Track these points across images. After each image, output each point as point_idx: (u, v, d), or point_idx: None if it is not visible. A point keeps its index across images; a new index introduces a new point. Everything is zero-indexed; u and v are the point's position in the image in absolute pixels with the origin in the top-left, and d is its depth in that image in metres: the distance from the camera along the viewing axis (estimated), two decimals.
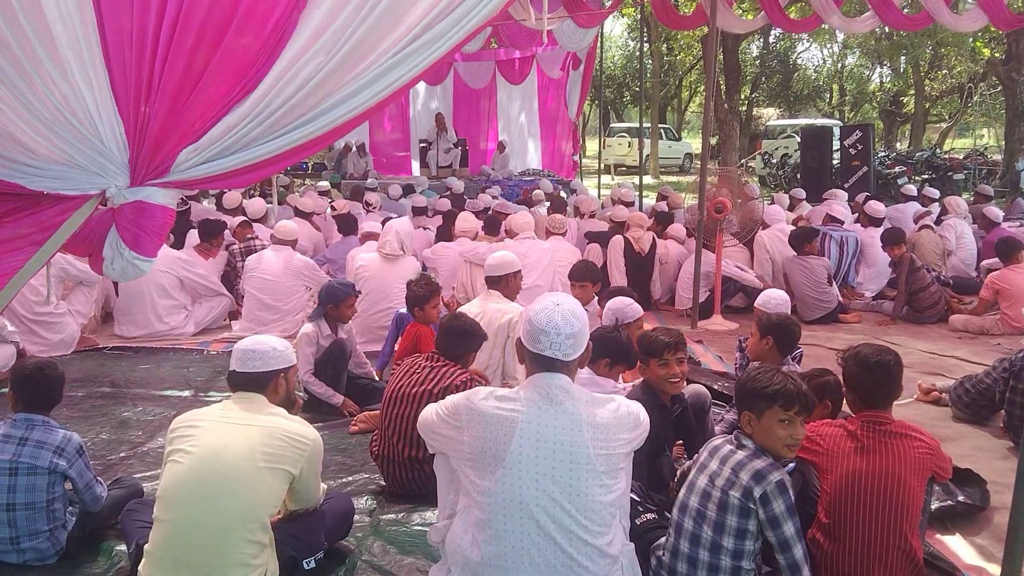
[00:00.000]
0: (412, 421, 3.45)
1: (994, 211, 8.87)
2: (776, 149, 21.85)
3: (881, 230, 7.99)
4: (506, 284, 4.89)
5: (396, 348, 5.09)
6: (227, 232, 7.83)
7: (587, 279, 5.42)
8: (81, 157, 2.30)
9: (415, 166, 17.85)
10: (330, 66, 2.38)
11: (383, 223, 7.10)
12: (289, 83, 2.37)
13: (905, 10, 11.68)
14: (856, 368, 2.90)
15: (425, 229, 8.56)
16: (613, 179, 23.02)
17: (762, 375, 2.62)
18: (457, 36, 2.54)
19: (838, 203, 9.38)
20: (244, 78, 2.34)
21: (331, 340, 4.85)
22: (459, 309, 4.78)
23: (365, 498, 3.70)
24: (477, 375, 3.91)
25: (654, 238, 7.70)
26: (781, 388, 2.56)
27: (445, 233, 7.83)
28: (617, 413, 2.38)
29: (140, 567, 2.66)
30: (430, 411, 2.55)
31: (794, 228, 7.86)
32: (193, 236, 7.64)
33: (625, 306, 4.22)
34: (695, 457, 2.78)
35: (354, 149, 16.28)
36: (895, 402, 2.93)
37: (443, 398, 2.53)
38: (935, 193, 10.29)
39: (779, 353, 3.86)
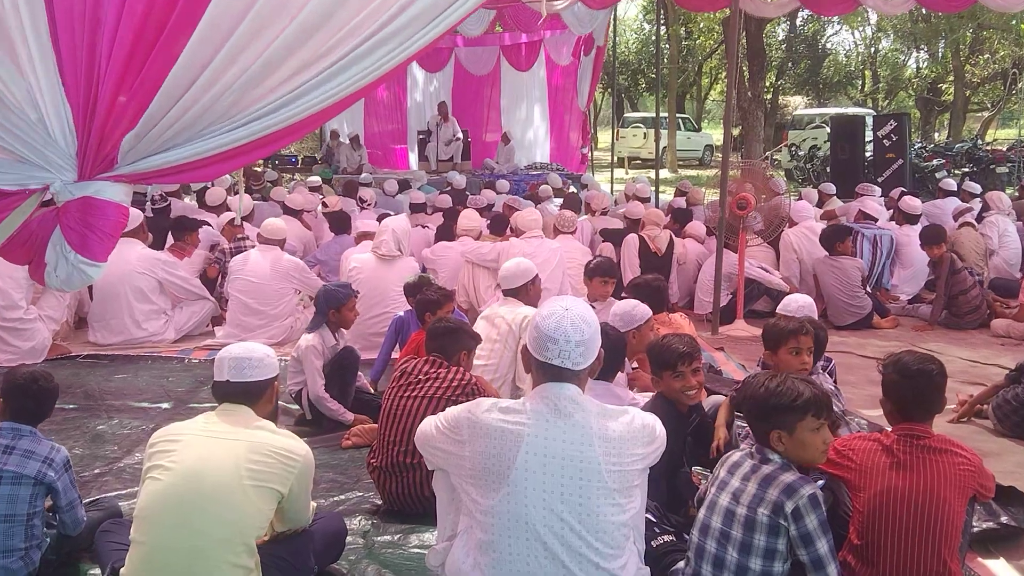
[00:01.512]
0: (415, 428, 3.46)
1: None
2: (804, 140, 21.79)
3: (918, 228, 7.97)
4: (525, 293, 4.87)
5: (395, 357, 5.10)
6: (213, 231, 7.86)
7: (610, 275, 5.46)
8: (22, 147, 2.22)
9: (413, 159, 17.89)
10: (290, 49, 2.32)
11: (378, 221, 7.11)
12: (240, 66, 2.30)
13: None
14: (895, 376, 2.89)
15: (424, 227, 8.57)
16: (627, 173, 23.00)
17: (783, 387, 2.61)
18: (446, 22, 2.51)
19: (871, 199, 9.37)
20: (189, 62, 2.27)
21: (335, 350, 4.85)
22: (484, 313, 4.83)
23: (359, 518, 3.70)
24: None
25: (671, 237, 7.70)
26: (811, 397, 2.57)
27: (446, 232, 7.83)
28: (631, 426, 2.38)
29: None
30: (429, 424, 2.55)
31: (825, 226, 7.84)
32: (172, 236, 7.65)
33: (631, 308, 4.23)
34: (712, 475, 2.78)
35: (347, 141, 16.31)
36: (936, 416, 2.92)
37: (451, 400, 2.53)
38: (976, 188, 10.25)
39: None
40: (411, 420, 3.57)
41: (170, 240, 7.55)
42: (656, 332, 4.33)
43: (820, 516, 2.47)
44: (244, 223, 8.15)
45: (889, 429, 2.92)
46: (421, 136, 16.58)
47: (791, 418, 2.57)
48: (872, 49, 35.42)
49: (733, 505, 2.58)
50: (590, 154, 18.38)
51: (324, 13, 2.33)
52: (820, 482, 2.83)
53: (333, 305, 4.81)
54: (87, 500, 3.49)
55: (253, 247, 7.03)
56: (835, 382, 4.16)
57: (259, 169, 13.45)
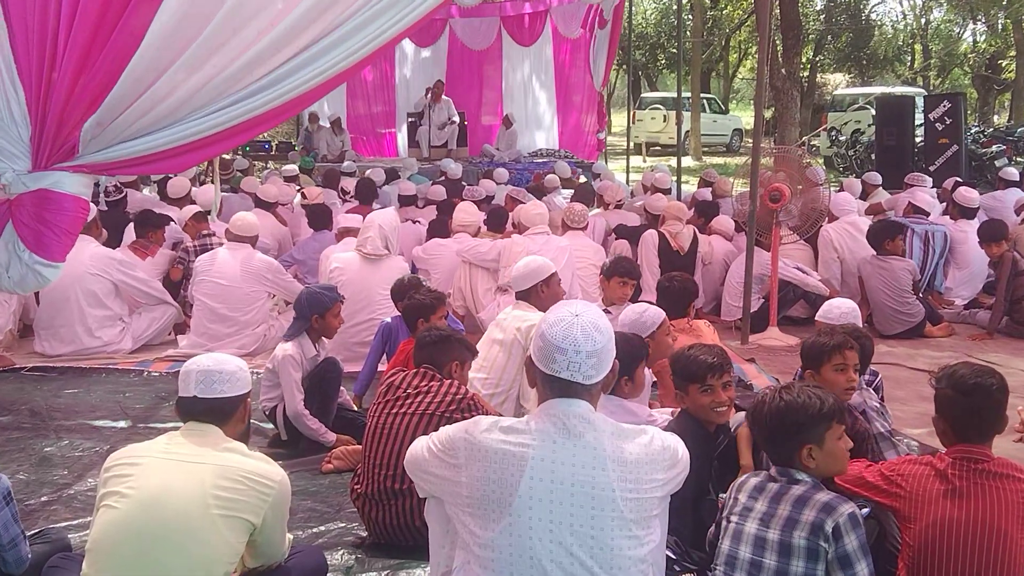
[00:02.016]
0: (404, 450, 3.45)
1: None
2: (845, 124, 21.81)
3: (975, 223, 7.97)
4: (537, 296, 4.82)
5: (383, 369, 5.11)
6: (176, 227, 7.87)
7: (631, 275, 5.46)
8: None
9: (402, 145, 17.91)
10: (269, 36, 2.34)
11: (363, 215, 7.12)
12: (228, 52, 2.33)
13: None
14: (950, 391, 2.90)
15: (415, 222, 8.58)
16: (645, 161, 23.05)
17: (803, 398, 2.72)
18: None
19: (922, 190, 9.36)
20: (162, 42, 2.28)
21: (315, 361, 4.86)
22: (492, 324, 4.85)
23: (341, 552, 3.70)
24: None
25: (695, 233, 7.70)
26: (834, 403, 2.73)
27: (440, 227, 7.85)
28: (650, 448, 2.37)
29: None
30: (420, 445, 2.55)
31: (869, 221, 7.83)
32: (131, 232, 7.66)
33: (640, 315, 4.26)
34: (727, 503, 2.82)
35: (327, 125, 16.33)
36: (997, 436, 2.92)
37: (445, 417, 2.52)
38: None
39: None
40: (399, 440, 3.57)
41: (128, 236, 7.56)
42: (675, 340, 4.33)
43: (860, 536, 2.54)
44: (210, 217, 8.17)
45: (943, 451, 2.92)
46: (411, 119, 16.58)
47: (820, 429, 2.67)
48: (923, 20, 35.48)
49: (763, 531, 2.62)
50: (605, 140, 18.41)
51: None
52: (865, 510, 2.84)
53: (316, 310, 4.80)
54: (32, 532, 3.48)
55: (221, 244, 7.05)
56: (881, 399, 4.16)
57: (228, 157, 13.46)
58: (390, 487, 3.62)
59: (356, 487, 3.82)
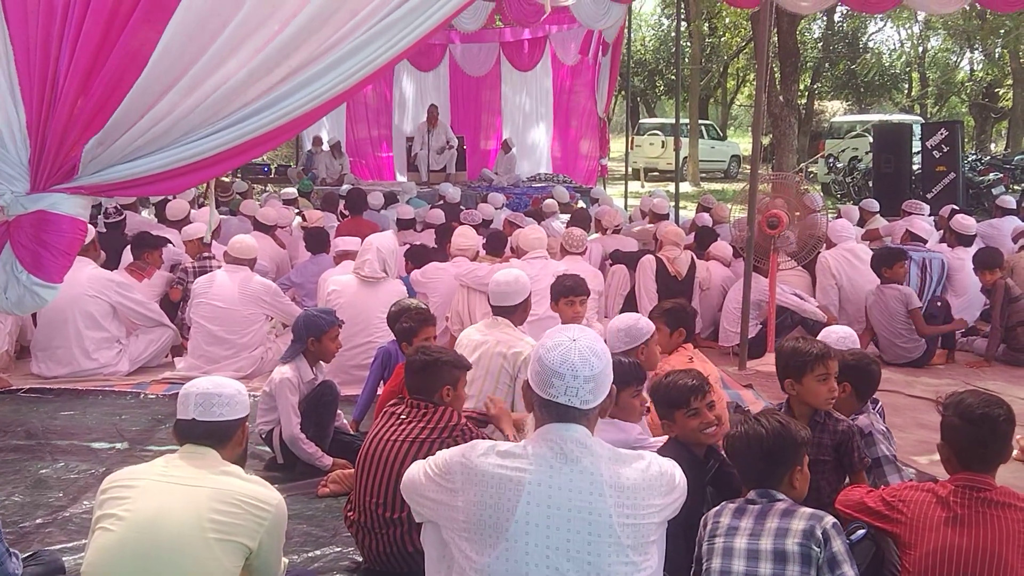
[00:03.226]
0: (395, 478, 3.44)
1: None
2: (843, 151, 21.90)
3: (972, 250, 7.99)
4: (522, 313, 4.91)
5: (381, 392, 5.09)
6: (176, 249, 7.87)
7: (575, 292, 5.35)
8: None
9: (401, 169, 17.97)
10: (283, 52, 2.36)
11: (362, 239, 7.13)
12: (227, 70, 2.34)
13: None
14: (957, 420, 2.90)
15: (413, 246, 8.59)
16: (643, 187, 23.12)
17: (789, 423, 2.92)
18: (437, 15, 2.53)
19: (919, 217, 9.39)
20: (168, 62, 2.29)
21: (312, 385, 4.85)
22: (459, 336, 4.81)
23: None
24: (478, 415, 3.92)
25: (693, 258, 7.71)
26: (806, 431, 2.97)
27: (438, 251, 7.86)
28: (647, 473, 2.37)
29: None
30: (417, 470, 2.55)
31: (866, 247, 7.84)
32: (129, 254, 7.66)
33: (635, 321, 4.27)
34: (707, 528, 2.86)
35: (327, 148, 16.39)
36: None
37: (438, 443, 2.52)
38: None
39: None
40: (391, 469, 3.54)
41: (127, 258, 7.56)
42: (663, 368, 4.33)
43: (845, 542, 2.68)
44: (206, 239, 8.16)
45: (944, 479, 2.92)
46: (409, 143, 16.64)
47: (802, 451, 2.90)
48: (920, 49, 35.66)
49: (754, 543, 2.68)
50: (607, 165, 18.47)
51: (319, 15, 2.37)
52: (862, 531, 2.87)
53: (313, 333, 4.80)
54: (26, 554, 3.47)
55: (219, 267, 7.05)
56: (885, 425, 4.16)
57: (227, 179, 13.50)
58: (382, 515, 3.59)
59: (349, 514, 3.80)
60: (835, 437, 3.58)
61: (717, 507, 2.91)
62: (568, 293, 5.36)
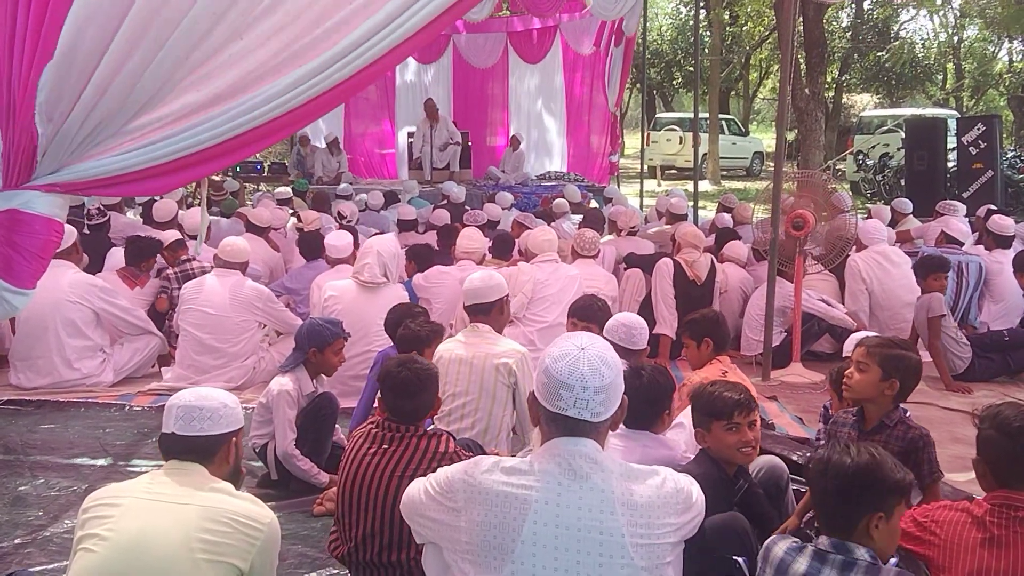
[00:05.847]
0: (390, 517, 3.32)
1: None
2: (873, 147, 21.88)
3: (1011, 253, 7.96)
4: (498, 313, 4.83)
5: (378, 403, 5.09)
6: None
7: (592, 320, 5.02)
8: None
9: (402, 167, 17.98)
10: (254, 48, 2.36)
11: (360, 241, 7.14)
12: (204, 65, 2.34)
13: None
14: (993, 432, 2.88)
15: (416, 245, 8.60)
16: (659, 185, 23.11)
17: (888, 460, 2.60)
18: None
19: (955, 218, 9.36)
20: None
21: (311, 397, 4.85)
22: (438, 351, 4.72)
23: None
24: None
25: (713, 262, 7.67)
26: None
27: (442, 254, 7.87)
28: (661, 490, 2.37)
29: None
30: (417, 488, 2.55)
31: (897, 248, 7.81)
32: (114, 257, 7.67)
33: (640, 329, 4.30)
34: (772, 565, 2.68)
35: (323, 145, 16.40)
36: None
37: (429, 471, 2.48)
38: None
39: (900, 397, 3.74)
40: (386, 507, 3.34)
41: (111, 261, 7.55)
42: (692, 381, 4.33)
43: None
44: (195, 242, 8.16)
45: (980, 497, 2.91)
46: (411, 140, 16.64)
47: (894, 499, 2.56)
48: (955, 38, 35.58)
49: None
50: (618, 163, 18.48)
51: (325, 9, 2.38)
52: (893, 560, 2.81)
53: (316, 343, 4.79)
54: None
55: (202, 271, 7.05)
56: None
57: (218, 178, 13.53)
58: (377, 558, 3.39)
59: (335, 541, 3.60)
60: (904, 444, 3.50)
61: (787, 543, 2.66)
62: (581, 317, 5.11)
